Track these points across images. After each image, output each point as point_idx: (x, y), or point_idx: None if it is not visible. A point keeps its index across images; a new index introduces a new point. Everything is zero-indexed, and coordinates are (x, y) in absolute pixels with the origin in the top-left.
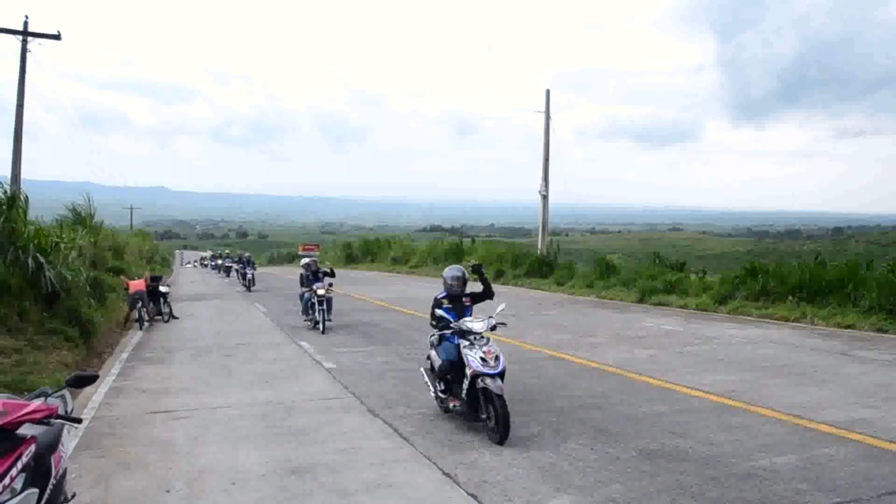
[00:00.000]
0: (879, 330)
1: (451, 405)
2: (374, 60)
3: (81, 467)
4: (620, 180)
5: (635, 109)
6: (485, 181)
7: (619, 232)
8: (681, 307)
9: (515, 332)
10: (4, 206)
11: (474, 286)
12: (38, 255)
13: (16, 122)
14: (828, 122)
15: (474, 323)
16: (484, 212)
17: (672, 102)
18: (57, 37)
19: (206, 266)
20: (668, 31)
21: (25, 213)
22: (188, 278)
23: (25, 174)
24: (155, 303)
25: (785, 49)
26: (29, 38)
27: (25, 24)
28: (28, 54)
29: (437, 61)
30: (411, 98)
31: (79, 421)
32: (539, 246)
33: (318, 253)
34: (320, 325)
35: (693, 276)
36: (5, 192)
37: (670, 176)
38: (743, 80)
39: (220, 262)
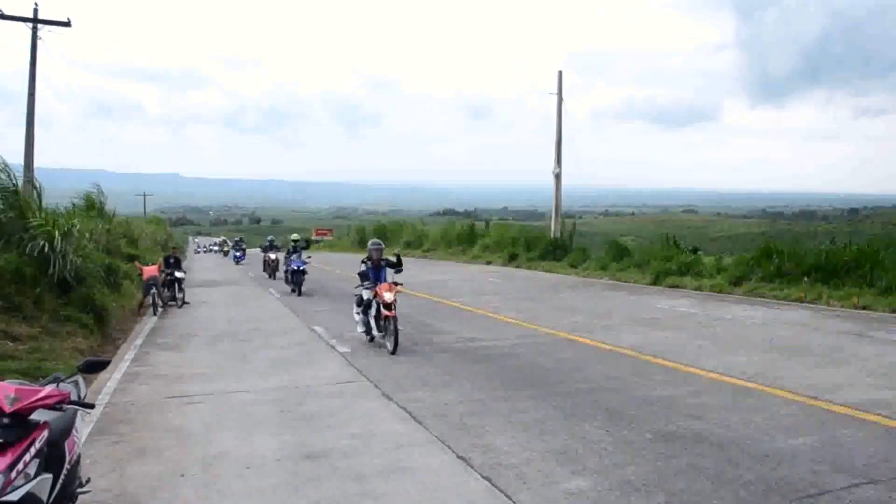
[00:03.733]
0: None
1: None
2: (386, 44)
3: (97, 453)
4: (636, 162)
5: (652, 91)
6: (498, 164)
7: (633, 214)
8: (695, 289)
9: (530, 315)
10: (18, 195)
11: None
12: (51, 242)
13: (27, 110)
14: (849, 101)
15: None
16: (497, 194)
17: (690, 83)
18: (67, 24)
19: (226, 254)
20: (686, 11)
21: (40, 199)
22: (202, 264)
23: (38, 163)
24: (169, 288)
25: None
26: (39, 26)
27: (35, 10)
28: (38, 42)
29: (450, 44)
30: (424, 82)
31: (91, 406)
32: (553, 228)
33: (330, 237)
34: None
35: (707, 258)
36: (17, 182)
37: (686, 158)
38: (763, 60)
39: (272, 255)
